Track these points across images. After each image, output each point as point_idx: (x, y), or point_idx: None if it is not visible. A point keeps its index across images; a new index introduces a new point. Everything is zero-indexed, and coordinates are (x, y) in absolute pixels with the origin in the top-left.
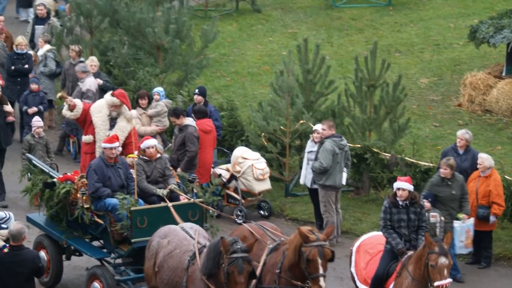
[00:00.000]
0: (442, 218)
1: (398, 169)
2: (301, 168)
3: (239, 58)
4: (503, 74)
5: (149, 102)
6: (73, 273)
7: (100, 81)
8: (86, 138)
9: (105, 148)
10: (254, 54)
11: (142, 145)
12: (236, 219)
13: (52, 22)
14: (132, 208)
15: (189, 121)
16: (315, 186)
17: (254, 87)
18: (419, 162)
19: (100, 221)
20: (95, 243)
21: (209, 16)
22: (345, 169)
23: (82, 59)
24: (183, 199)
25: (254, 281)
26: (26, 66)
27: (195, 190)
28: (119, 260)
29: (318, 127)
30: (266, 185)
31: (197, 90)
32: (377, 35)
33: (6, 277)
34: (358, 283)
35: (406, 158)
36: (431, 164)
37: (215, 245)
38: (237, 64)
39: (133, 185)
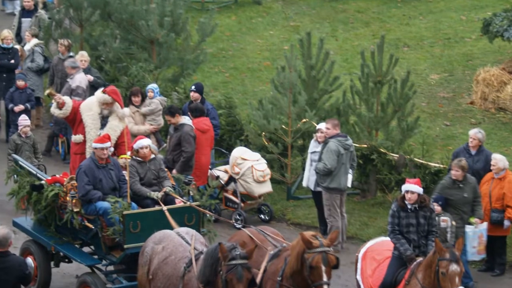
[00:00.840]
0: (453, 223)
1: (406, 170)
2: (303, 169)
3: (238, 53)
4: None
5: (143, 100)
6: (62, 281)
7: (91, 77)
8: (76, 137)
9: (96, 149)
10: (254, 49)
11: (135, 145)
12: (235, 224)
13: (39, 15)
14: (125, 212)
15: (185, 119)
16: (319, 189)
17: (254, 83)
18: (429, 163)
19: (90, 225)
20: (86, 249)
21: (206, 9)
22: (350, 171)
23: (71, 54)
24: (179, 202)
25: None
26: (12, 61)
27: (191, 193)
28: (111, 267)
29: (322, 126)
30: (267, 187)
31: (193, 87)
32: (385, 29)
33: None
34: None
35: (415, 159)
36: (441, 166)
37: (213, 251)
38: (236, 60)
39: (125, 188)
